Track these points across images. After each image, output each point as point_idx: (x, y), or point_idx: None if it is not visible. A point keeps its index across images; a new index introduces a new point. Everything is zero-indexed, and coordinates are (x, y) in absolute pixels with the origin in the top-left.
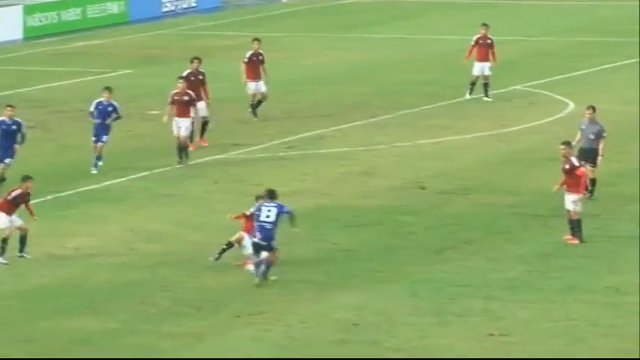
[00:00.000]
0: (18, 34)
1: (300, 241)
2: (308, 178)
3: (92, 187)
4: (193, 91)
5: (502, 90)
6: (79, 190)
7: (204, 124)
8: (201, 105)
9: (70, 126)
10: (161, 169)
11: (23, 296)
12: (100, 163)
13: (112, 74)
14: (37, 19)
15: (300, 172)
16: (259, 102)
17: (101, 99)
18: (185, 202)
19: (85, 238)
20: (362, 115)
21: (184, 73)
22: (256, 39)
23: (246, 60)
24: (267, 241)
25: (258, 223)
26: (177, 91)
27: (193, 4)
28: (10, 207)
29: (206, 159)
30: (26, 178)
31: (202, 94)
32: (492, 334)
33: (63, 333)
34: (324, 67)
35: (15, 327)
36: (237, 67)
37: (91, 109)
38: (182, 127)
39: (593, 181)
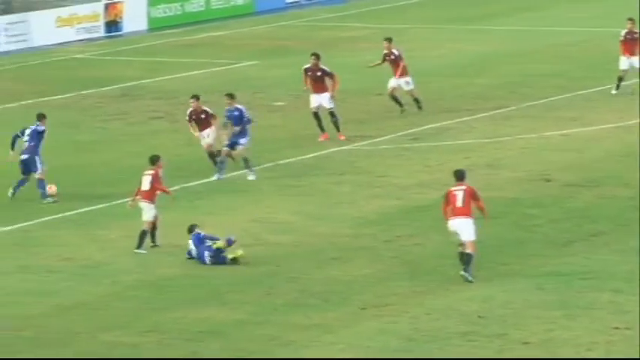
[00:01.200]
0: (143, 25)
1: (425, 234)
2: (432, 169)
3: (217, 177)
4: (315, 84)
5: (630, 82)
6: (206, 181)
7: (331, 115)
8: (324, 97)
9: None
10: (287, 160)
11: (151, 286)
12: (253, 169)
13: (237, 65)
14: (161, 11)
15: (425, 164)
16: (416, 100)
17: (226, 107)
18: (311, 193)
19: (212, 229)
20: (487, 107)
21: (305, 66)
22: (387, 38)
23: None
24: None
25: None
26: (191, 109)
27: None
28: (153, 194)
29: (332, 150)
30: (155, 160)
31: (327, 86)
32: (618, 328)
33: (192, 323)
34: (448, 59)
35: (143, 317)
36: (362, 58)
37: (224, 121)
38: (205, 136)
39: None
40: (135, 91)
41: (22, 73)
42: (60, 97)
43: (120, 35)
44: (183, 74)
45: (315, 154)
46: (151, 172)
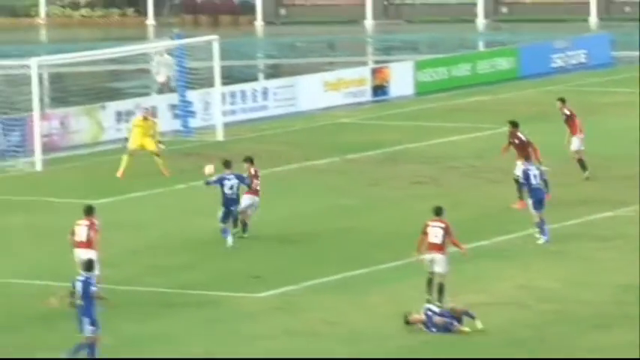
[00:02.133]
0: (409, 89)
1: None
2: None
3: (482, 243)
4: (517, 152)
5: None
6: (471, 245)
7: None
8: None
9: (461, 182)
10: (552, 226)
11: (410, 351)
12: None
13: (501, 130)
14: (427, 75)
15: None
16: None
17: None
18: (575, 259)
19: (475, 295)
20: None
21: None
22: (560, 99)
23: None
24: None
25: None
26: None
27: (583, 60)
28: (444, 247)
29: (595, 216)
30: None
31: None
32: None
33: None
34: None
35: None
36: (627, 124)
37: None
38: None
39: None
40: (399, 156)
41: (289, 136)
42: (324, 161)
43: (386, 100)
44: (448, 139)
45: (578, 220)
46: (442, 224)
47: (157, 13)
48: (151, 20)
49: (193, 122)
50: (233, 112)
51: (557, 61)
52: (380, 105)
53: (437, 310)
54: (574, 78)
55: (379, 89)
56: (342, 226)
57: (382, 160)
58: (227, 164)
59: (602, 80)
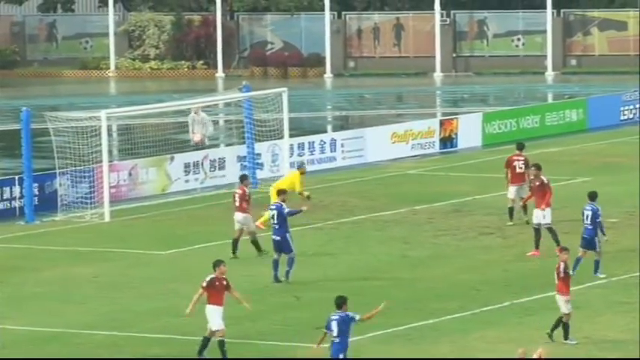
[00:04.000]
0: (477, 141)
1: None
2: None
3: (550, 294)
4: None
5: None
6: (537, 297)
7: (549, 231)
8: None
9: (527, 233)
10: (619, 277)
11: None
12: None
13: (570, 181)
14: (495, 127)
15: None
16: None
17: None
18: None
19: (543, 345)
20: None
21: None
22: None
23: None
24: None
25: None
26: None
27: None
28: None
29: None
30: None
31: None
32: None
33: None
34: None
35: None
36: None
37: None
38: None
39: None
40: (466, 207)
41: (357, 187)
42: (392, 212)
43: (454, 151)
44: None
45: None
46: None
47: (226, 66)
48: (220, 73)
49: (261, 173)
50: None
51: (626, 113)
52: (447, 157)
53: None
54: None
55: (447, 141)
56: (409, 276)
57: (449, 211)
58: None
59: None
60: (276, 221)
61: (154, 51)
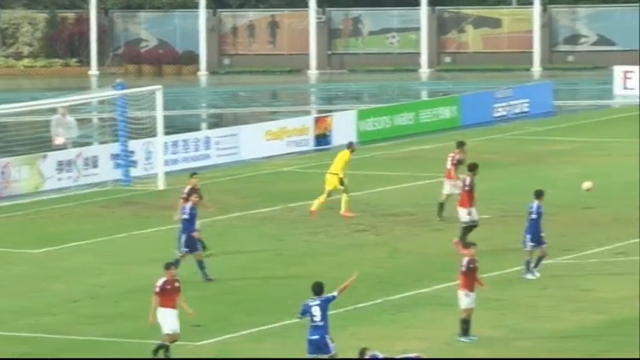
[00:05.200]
0: (352, 138)
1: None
2: (637, 283)
3: (423, 290)
4: None
5: None
6: (410, 293)
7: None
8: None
9: (401, 230)
10: (489, 274)
11: None
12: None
13: (443, 179)
14: (370, 124)
15: (630, 277)
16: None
17: None
18: (512, 307)
19: (414, 342)
20: None
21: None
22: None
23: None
24: None
25: None
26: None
27: (525, 110)
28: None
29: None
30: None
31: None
32: None
33: None
34: None
35: None
36: (567, 172)
37: None
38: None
39: None
40: (340, 204)
41: (231, 185)
42: (266, 209)
43: (329, 148)
44: (389, 187)
45: (517, 268)
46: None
47: (100, 63)
48: (93, 70)
49: (135, 171)
50: (175, 162)
51: (500, 110)
52: (322, 154)
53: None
54: (516, 127)
55: (321, 138)
56: (283, 274)
57: (323, 208)
58: None
59: (543, 129)
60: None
61: (28, 49)
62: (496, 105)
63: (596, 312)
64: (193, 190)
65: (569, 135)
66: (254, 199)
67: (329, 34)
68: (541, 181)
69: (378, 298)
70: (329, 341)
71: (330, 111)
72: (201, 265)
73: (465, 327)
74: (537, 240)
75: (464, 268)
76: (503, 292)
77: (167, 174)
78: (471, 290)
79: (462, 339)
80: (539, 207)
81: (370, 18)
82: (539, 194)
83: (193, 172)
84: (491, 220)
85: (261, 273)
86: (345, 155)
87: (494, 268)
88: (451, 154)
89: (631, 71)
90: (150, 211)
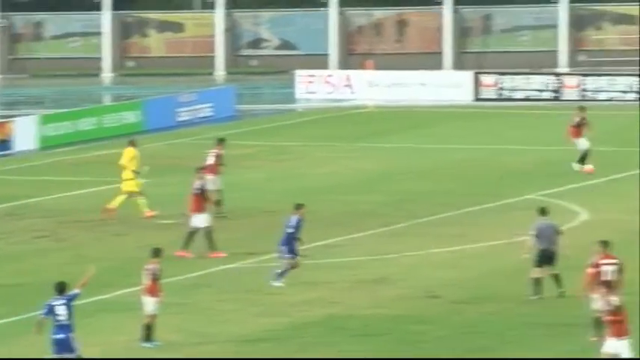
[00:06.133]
0: (33, 143)
1: (310, 349)
2: (319, 287)
3: (105, 296)
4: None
5: (516, 199)
6: (92, 299)
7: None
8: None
9: (83, 236)
10: (172, 279)
11: None
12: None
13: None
14: (52, 129)
15: (312, 281)
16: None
17: None
18: (195, 311)
19: (92, 348)
20: (375, 224)
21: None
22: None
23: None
24: None
25: None
26: None
27: (209, 114)
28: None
29: (217, 268)
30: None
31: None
32: None
33: None
34: (338, 176)
35: None
36: (248, 176)
37: None
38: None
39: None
40: (19, 210)
41: None
42: None
43: (10, 154)
44: (72, 192)
45: (200, 272)
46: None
47: None
48: None
49: None
50: None
51: (183, 115)
52: (2, 160)
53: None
54: (200, 131)
55: (1, 144)
56: None
57: (2, 215)
58: None
59: (226, 133)
60: None
61: None
62: (179, 109)
63: (281, 315)
64: None
65: (253, 139)
66: None
67: (10, 38)
68: (225, 186)
69: None
70: (74, 340)
71: (12, 116)
72: None
73: (148, 332)
74: (293, 251)
75: (149, 274)
76: (186, 296)
77: None
78: (156, 296)
79: (145, 344)
80: (298, 220)
81: (52, 22)
82: (298, 207)
83: None
84: (174, 225)
85: None
86: (129, 153)
87: (178, 272)
88: (213, 151)
89: (313, 75)
90: None
